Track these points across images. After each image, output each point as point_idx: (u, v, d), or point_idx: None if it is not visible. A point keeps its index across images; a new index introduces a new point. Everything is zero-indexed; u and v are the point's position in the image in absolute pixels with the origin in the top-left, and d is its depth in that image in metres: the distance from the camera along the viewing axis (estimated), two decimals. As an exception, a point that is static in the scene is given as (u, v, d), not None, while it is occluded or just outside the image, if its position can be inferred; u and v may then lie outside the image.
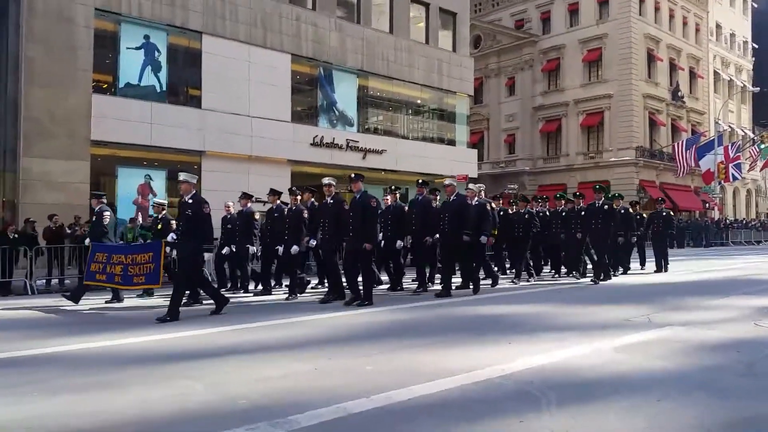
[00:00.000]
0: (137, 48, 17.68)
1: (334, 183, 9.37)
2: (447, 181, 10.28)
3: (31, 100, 15.43)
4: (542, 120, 41.12)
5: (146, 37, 17.81)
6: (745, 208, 49.41)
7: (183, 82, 18.95)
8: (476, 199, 10.69)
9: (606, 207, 11.70)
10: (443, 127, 26.82)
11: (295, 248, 9.74)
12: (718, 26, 46.99)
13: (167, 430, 3.34)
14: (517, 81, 41.97)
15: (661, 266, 14.03)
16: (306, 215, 10.04)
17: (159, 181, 17.77)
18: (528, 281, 12.05)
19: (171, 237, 9.37)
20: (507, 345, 5.58)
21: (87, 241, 9.97)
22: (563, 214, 12.68)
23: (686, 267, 15.82)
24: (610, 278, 11.85)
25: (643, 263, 15.04)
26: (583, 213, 12.01)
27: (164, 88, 18.22)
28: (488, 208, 10.81)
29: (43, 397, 4.06)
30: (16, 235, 11.94)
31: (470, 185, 11.16)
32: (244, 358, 5.33)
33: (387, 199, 10.88)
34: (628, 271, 13.75)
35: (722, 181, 38.56)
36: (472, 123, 33.77)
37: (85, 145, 16.11)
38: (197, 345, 6.03)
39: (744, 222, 40.60)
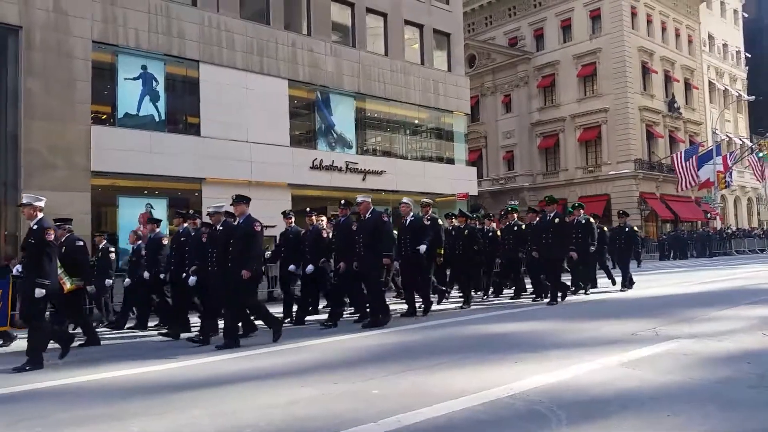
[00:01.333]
0: (135, 78, 17.83)
1: (369, 199, 9.22)
2: (359, 198, 9.27)
3: (30, 132, 15.51)
4: (540, 136, 41.29)
5: (144, 67, 17.97)
6: (747, 216, 49.35)
7: (181, 111, 19.08)
8: (428, 215, 10.37)
9: (557, 220, 10.87)
10: (442, 145, 26.93)
11: (310, 267, 9.64)
12: (710, 37, 47.37)
13: (173, 462, 3.29)
14: (513, 98, 42.23)
15: (626, 283, 12.92)
16: (324, 236, 10.02)
17: (160, 209, 17.78)
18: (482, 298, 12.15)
19: (16, 270, 8.55)
20: (514, 364, 5.53)
21: None
22: (515, 229, 12.22)
23: (690, 278, 15.74)
24: (563, 298, 10.91)
25: (612, 280, 14.05)
26: (532, 228, 11.46)
27: (163, 117, 18.33)
28: (438, 224, 10.53)
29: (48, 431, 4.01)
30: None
31: (405, 200, 10.37)
32: (250, 385, 5.28)
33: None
34: (594, 288, 13.09)
35: (720, 190, 38.58)
36: (470, 141, 33.94)
37: (86, 176, 16.16)
38: (202, 373, 5.98)
39: (747, 231, 40.52)
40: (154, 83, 18.15)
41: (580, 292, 12.44)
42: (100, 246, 11.08)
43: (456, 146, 27.26)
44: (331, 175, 21.75)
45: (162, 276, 9.74)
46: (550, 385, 4.59)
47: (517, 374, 5.01)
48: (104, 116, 17.51)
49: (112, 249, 10.42)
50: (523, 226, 12.16)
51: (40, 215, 6.90)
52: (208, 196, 18.52)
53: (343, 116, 22.94)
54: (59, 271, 7.79)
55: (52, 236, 6.78)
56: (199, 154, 18.48)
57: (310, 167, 21.22)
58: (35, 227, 6.77)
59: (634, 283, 12.96)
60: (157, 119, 18.19)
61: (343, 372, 5.59)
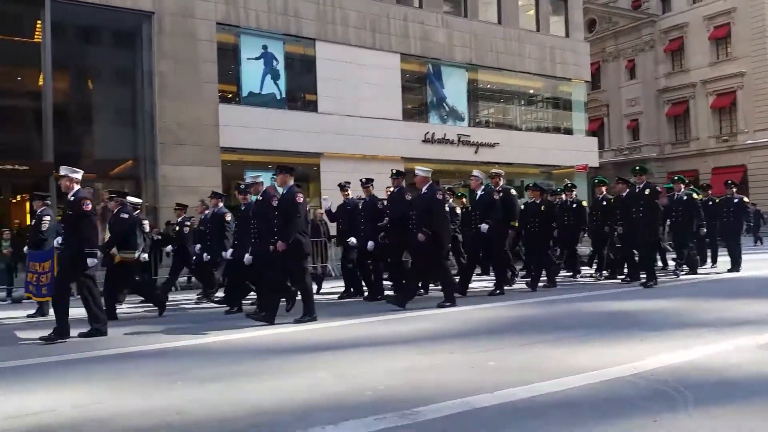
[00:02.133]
0: (257, 58, 18.68)
1: (428, 173, 8.48)
2: (417, 171, 8.56)
3: (164, 112, 16.75)
4: (668, 103, 38.59)
5: (264, 47, 18.76)
6: None
7: (300, 88, 19.76)
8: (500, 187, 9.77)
9: (647, 191, 9.68)
10: (559, 115, 25.95)
11: (371, 244, 9.24)
12: None
13: (302, 417, 3.53)
14: (638, 63, 39.68)
15: (735, 265, 11.73)
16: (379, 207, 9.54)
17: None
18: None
19: (57, 242, 8.20)
20: (638, 342, 5.33)
21: (26, 249, 9.32)
22: (603, 204, 11.23)
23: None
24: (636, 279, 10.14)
25: (712, 259, 13.08)
26: (619, 202, 10.57)
27: (283, 95, 19.10)
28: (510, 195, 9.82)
29: (189, 386, 4.42)
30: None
31: (475, 172, 9.81)
32: (368, 350, 5.49)
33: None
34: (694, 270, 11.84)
35: None
36: (590, 110, 32.40)
37: (215, 151, 17.25)
38: (323, 337, 6.29)
39: None
40: (275, 62, 18.92)
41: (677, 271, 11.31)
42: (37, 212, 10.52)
43: (575, 116, 26.14)
44: (443, 148, 21.67)
45: (224, 253, 9.43)
46: (676, 365, 4.40)
47: (641, 353, 4.84)
48: (230, 95, 18.52)
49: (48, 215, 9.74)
50: (612, 200, 11.26)
51: (76, 187, 6.87)
52: (325, 170, 19.17)
53: (454, 88, 22.70)
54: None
55: (90, 206, 6.73)
56: (317, 130, 19.10)
57: (422, 141, 21.26)
58: (72, 198, 6.75)
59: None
60: (278, 97, 19.00)
61: (460, 342, 5.67)
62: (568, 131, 25.84)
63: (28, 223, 13.35)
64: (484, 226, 9.09)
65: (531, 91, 25.31)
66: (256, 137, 17.91)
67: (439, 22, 22.08)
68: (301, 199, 7.38)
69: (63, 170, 6.91)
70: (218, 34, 17.83)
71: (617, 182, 11.13)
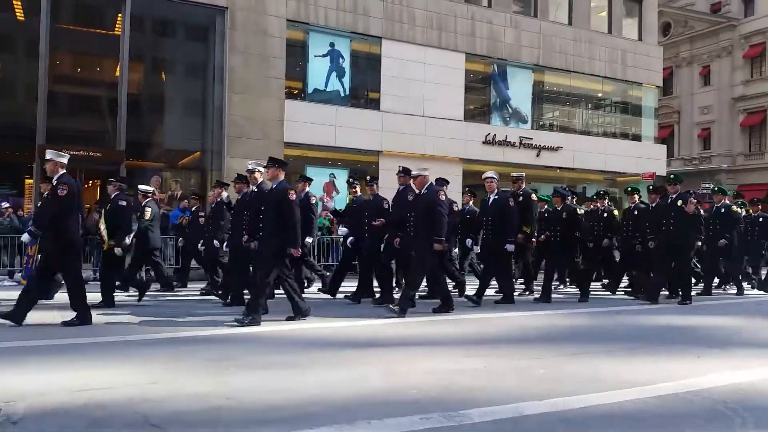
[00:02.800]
0: (324, 55, 18.94)
1: (426, 173, 8.06)
2: (414, 172, 8.28)
3: (233, 105, 17.21)
4: (743, 112, 36.80)
5: (332, 44, 19.00)
6: None
7: (364, 86, 19.91)
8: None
9: (680, 203, 9.04)
10: (627, 121, 25.16)
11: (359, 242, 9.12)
12: None
13: (346, 411, 3.59)
14: (713, 70, 38.00)
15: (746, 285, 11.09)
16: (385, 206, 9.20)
17: (341, 179, 18.81)
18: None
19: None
20: (695, 359, 5.15)
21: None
22: (635, 213, 10.45)
23: None
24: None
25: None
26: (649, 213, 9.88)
27: (347, 93, 19.30)
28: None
29: (238, 372, 4.56)
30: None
31: (489, 173, 9.26)
32: (415, 349, 5.52)
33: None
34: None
35: None
36: (660, 116, 31.27)
37: (279, 146, 17.61)
38: (371, 334, 6.36)
39: None
40: (341, 60, 19.14)
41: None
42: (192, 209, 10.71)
43: (644, 122, 25.29)
44: (503, 150, 21.40)
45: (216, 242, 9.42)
46: (735, 385, 4.23)
47: (698, 370, 4.67)
48: (296, 91, 18.84)
49: (202, 213, 10.34)
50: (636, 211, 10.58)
51: (61, 171, 6.71)
52: (384, 168, 19.23)
53: (519, 90, 22.35)
54: (102, 227, 8.31)
55: (65, 191, 6.50)
56: (378, 128, 19.21)
57: (483, 142, 21.04)
58: (54, 183, 6.63)
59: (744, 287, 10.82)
60: (342, 94, 19.21)
61: (509, 348, 5.62)
62: (636, 138, 25.02)
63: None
64: (510, 247, 8.78)
65: (599, 95, 24.64)
66: (319, 133, 18.18)
67: (508, 21, 21.79)
68: (293, 196, 7.07)
69: (49, 154, 6.79)
70: (288, 30, 18.17)
71: (650, 192, 10.35)
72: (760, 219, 11.87)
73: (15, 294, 7.56)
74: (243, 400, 3.80)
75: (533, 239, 9.97)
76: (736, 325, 7.14)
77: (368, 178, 9.82)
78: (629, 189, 11.17)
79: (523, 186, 9.74)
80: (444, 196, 7.91)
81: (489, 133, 21.20)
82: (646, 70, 24.77)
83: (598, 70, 23.58)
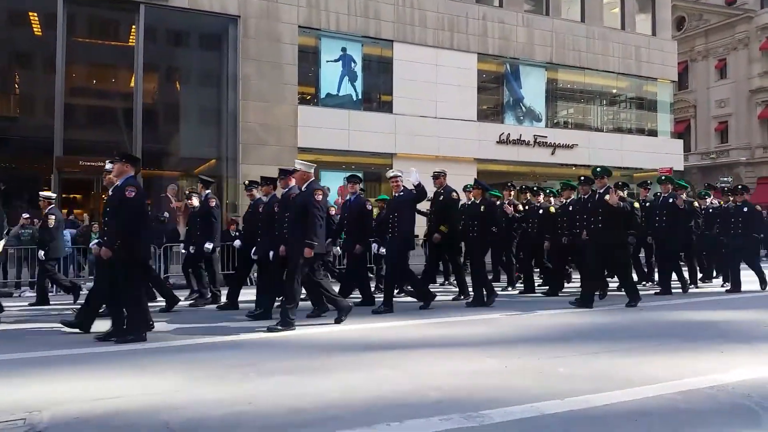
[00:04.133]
0: (336, 60, 19.02)
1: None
2: (390, 173, 8.36)
3: (247, 112, 17.34)
4: (761, 104, 36.28)
5: (343, 49, 19.07)
6: None
7: (376, 89, 19.96)
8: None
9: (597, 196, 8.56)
10: (643, 116, 24.93)
11: (358, 248, 8.74)
12: None
13: (366, 413, 3.59)
14: (729, 63, 37.53)
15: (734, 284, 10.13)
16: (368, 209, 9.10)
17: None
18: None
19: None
20: (719, 354, 5.08)
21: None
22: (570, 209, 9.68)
23: None
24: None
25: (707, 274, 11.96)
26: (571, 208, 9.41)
27: (360, 96, 19.36)
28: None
29: (259, 377, 4.58)
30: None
31: (392, 172, 8.84)
32: (436, 351, 5.50)
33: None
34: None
35: None
36: (676, 111, 30.97)
37: (293, 151, 17.69)
38: (391, 336, 6.35)
39: None
40: (353, 64, 19.20)
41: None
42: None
43: (660, 117, 25.05)
44: (518, 149, 21.31)
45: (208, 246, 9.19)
46: (760, 380, 4.16)
47: (721, 365, 4.61)
48: (308, 96, 18.94)
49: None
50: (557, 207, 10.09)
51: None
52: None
53: (532, 88, 22.26)
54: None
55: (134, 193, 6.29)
56: (391, 131, 19.24)
57: (497, 141, 20.97)
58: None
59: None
60: (354, 98, 19.27)
61: (529, 348, 5.58)
62: (653, 133, 24.79)
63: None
64: (436, 236, 8.97)
65: (614, 91, 24.47)
66: (332, 138, 18.24)
67: (519, 20, 21.72)
68: (319, 196, 6.95)
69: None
70: (300, 37, 18.26)
71: (580, 183, 9.32)
72: (710, 210, 11.39)
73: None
74: (264, 405, 3.82)
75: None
76: (759, 319, 7.03)
77: (347, 177, 9.76)
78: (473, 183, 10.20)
79: (445, 183, 9.21)
80: (322, 196, 7.14)
81: (503, 133, 21.13)
82: (661, 65, 24.54)
83: (612, 66, 23.41)
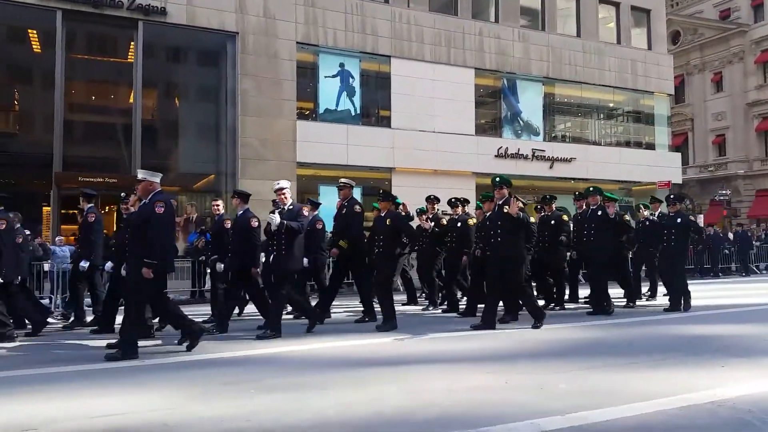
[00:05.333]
0: (334, 76, 19.12)
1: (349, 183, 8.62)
2: (276, 185, 7.83)
3: (245, 128, 17.39)
4: (758, 117, 36.45)
5: (341, 65, 19.18)
6: None
7: (374, 104, 20.06)
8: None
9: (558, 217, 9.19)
10: (640, 130, 25.05)
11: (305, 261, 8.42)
12: None
13: (366, 429, 3.56)
14: (725, 76, 37.77)
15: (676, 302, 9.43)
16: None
17: (356, 197, 18.87)
18: None
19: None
20: (719, 368, 5.06)
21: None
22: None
23: None
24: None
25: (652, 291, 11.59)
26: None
27: (358, 111, 19.44)
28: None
29: (258, 395, 4.54)
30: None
31: (343, 180, 9.19)
32: (434, 367, 5.47)
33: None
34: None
35: None
36: (673, 124, 31.11)
37: (292, 166, 17.74)
38: (389, 352, 6.32)
39: None
40: (351, 80, 19.31)
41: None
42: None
43: (657, 130, 25.17)
44: (516, 163, 21.37)
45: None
46: (762, 394, 4.14)
47: (721, 380, 4.59)
48: (307, 112, 19.02)
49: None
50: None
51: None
52: (397, 185, 19.27)
53: (530, 102, 22.37)
54: None
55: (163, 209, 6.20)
56: (390, 145, 19.30)
57: (495, 155, 21.04)
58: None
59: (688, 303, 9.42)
60: (353, 113, 19.35)
61: (529, 363, 5.55)
62: (650, 146, 24.88)
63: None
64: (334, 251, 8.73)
65: (611, 105, 24.60)
66: (331, 152, 18.29)
67: (516, 36, 21.88)
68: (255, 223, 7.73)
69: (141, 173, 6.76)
70: (298, 53, 18.37)
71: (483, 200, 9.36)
72: (647, 222, 10.83)
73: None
74: (262, 421, 3.79)
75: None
76: (760, 333, 7.01)
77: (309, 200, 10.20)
78: (547, 197, 10.73)
79: (351, 195, 8.93)
80: (360, 208, 8.39)
81: (501, 147, 21.22)
82: (657, 79, 24.71)
83: (609, 80, 23.57)
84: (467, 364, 5.60)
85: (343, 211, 8.81)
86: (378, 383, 4.81)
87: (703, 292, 11.67)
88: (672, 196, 9.85)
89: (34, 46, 16.97)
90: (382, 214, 8.21)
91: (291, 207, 7.58)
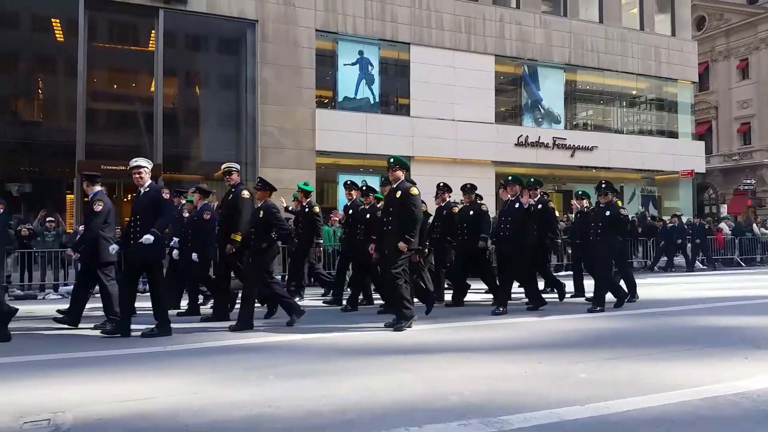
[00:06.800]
0: (353, 63, 19.08)
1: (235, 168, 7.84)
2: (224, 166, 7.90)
3: (265, 116, 17.45)
4: (786, 105, 35.72)
5: (360, 52, 19.13)
6: None
7: (393, 92, 20.00)
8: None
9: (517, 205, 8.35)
10: (663, 118, 24.68)
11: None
12: None
13: (384, 417, 3.57)
14: (752, 62, 36.96)
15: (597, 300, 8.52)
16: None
17: (374, 185, 18.88)
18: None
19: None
20: (742, 360, 5.00)
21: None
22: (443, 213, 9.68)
23: None
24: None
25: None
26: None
27: (377, 100, 19.39)
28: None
29: (278, 380, 4.59)
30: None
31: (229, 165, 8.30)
32: (455, 356, 5.48)
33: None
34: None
35: None
36: (697, 112, 30.65)
37: (311, 155, 17.78)
38: (410, 341, 6.33)
39: None
40: (370, 67, 19.25)
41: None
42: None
43: (681, 118, 24.78)
44: (536, 151, 21.19)
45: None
46: (787, 388, 4.09)
47: (745, 371, 4.53)
48: (326, 100, 19.02)
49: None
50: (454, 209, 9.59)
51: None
52: (416, 174, 19.20)
53: (551, 90, 22.13)
54: None
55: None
56: (409, 134, 19.23)
57: (515, 144, 20.88)
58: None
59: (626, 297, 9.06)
60: (371, 101, 19.31)
61: (549, 353, 5.53)
62: (673, 135, 24.52)
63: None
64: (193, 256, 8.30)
65: (633, 92, 24.25)
66: (349, 141, 18.30)
67: (537, 22, 21.62)
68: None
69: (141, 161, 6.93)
70: (317, 40, 18.36)
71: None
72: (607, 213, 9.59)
73: (62, 306, 7.79)
74: (283, 407, 3.83)
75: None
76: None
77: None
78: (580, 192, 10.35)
79: (237, 180, 7.94)
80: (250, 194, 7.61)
81: (521, 135, 21.04)
82: (681, 66, 24.29)
83: (632, 67, 23.22)
84: (486, 353, 5.59)
85: (229, 198, 7.86)
86: (397, 371, 4.83)
87: (720, 283, 11.51)
88: (603, 184, 8.74)
89: (57, 35, 17.16)
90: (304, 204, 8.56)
91: (148, 189, 6.93)
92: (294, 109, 17.67)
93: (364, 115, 18.80)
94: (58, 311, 7.49)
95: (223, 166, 8.12)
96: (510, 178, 8.30)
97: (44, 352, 5.81)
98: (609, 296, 8.56)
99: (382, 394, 4.12)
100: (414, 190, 7.05)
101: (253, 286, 7.23)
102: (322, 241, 9.96)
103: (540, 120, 22.04)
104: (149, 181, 6.96)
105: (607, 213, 8.52)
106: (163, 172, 16.39)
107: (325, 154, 18.30)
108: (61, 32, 17.05)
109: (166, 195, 6.73)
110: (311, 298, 10.33)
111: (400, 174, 7.23)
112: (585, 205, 9.89)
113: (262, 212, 7.33)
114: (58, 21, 16.90)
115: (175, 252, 8.96)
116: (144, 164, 6.92)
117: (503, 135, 20.77)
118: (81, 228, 10.43)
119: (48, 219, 13.03)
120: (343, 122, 18.38)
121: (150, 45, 17.08)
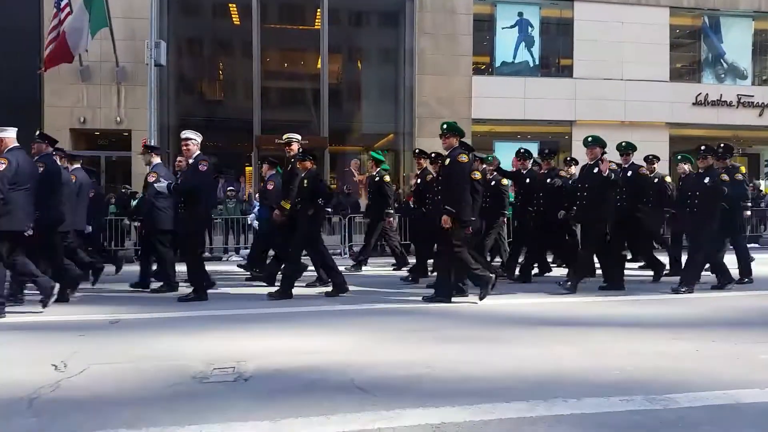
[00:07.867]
0: (512, 26, 18.53)
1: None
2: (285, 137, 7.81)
3: (422, 86, 17.65)
4: None
5: (520, 14, 18.51)
6: None
7: (555, 54, 19.18)
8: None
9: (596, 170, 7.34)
10: None
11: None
12: None
13: (541, 387, 3.59)
14: None
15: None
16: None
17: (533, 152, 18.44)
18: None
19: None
20: None
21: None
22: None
23: None
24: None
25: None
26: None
27: (537, 62, 18.71)
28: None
29: (436, 343, 4.78)
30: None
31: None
32: (617, 330, 5.29)
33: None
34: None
35: None
36: None
37: (467, 123, 17.68)
38: (567, 312, 6.20)
39: None
40: (530, 29, 18.59)
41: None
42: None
43: None
44: (717, 111, 19.17)
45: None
46: None
47: None
48: (483, 66, 18.74)
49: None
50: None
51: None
52: (577, 139, 18.38)
53: (736, 42, 19.78)
54: None
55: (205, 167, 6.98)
56: (571, 97, 18.38)
57: (693, 103, 19.05)
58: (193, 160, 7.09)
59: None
60: (531, 65, 18.67)
61: (725, 331, 5.15)
62: None
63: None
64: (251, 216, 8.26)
65: None
66: (507, 107, 17.93)
67: (721, -34, 19.38)
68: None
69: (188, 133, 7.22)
70: (475, 5, 18.10)
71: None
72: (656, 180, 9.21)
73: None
74: (440, 369, 3.99)
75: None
76: None
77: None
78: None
79: (295, 149, 7.91)
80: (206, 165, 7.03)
81: (700, 93, 19.16)
82: None
83: (840, 8, 19.99)
84: (656, 329, 5.33)
85: (289, 167, 7.95)
86: (556, 343, 4.79)
87: None
88: (703, 148, 7.56)
89: (234, 19, 18.65)
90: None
91: (193, 160, 7.13)
92: (451, 78, 17.66)
93: (522, 80, 18.27)
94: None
95: (285, 136, 8.17)
96: (590, 139, 7.58)
97: (229, 308, 6.50)
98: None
99: (538, 364, 4.13)
100: (462, 158, 6.68)
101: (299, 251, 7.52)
102: (392, 211, 9.79)
103: (722, 76, 19.87)
104: (197, 152, 7.16)
105: (705, 180, 7.43)
106: (329, 145, 17.38)
107: (481, 122, 18.11)
108: (237, 16, 18.50)
109: (202, 167, 6.99)
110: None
111: (454, 141, 6.89)
112: (686, 169, 8.59)
113: (306, 181, 7.48)
114: (234, 5, 18.35)
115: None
116: (192, 136, 7.16)
117: (679, 94, 19.06)
118: (257, 196, 11.43)
119: (229, 188, 14.41)
120: (501, 88, 18.02)
121: (316, 23, 17.96)
